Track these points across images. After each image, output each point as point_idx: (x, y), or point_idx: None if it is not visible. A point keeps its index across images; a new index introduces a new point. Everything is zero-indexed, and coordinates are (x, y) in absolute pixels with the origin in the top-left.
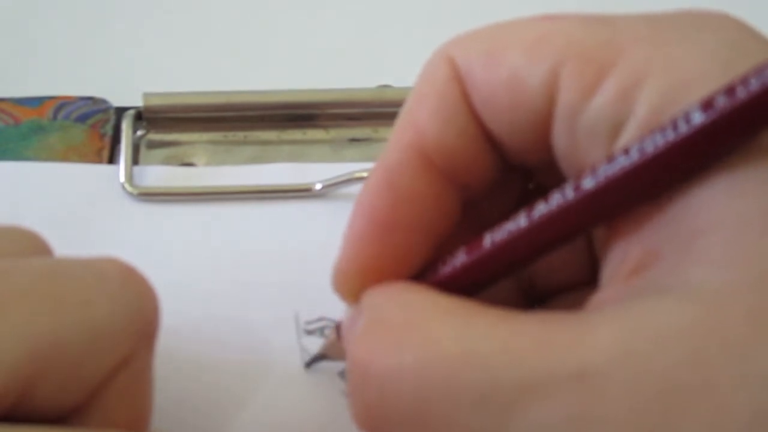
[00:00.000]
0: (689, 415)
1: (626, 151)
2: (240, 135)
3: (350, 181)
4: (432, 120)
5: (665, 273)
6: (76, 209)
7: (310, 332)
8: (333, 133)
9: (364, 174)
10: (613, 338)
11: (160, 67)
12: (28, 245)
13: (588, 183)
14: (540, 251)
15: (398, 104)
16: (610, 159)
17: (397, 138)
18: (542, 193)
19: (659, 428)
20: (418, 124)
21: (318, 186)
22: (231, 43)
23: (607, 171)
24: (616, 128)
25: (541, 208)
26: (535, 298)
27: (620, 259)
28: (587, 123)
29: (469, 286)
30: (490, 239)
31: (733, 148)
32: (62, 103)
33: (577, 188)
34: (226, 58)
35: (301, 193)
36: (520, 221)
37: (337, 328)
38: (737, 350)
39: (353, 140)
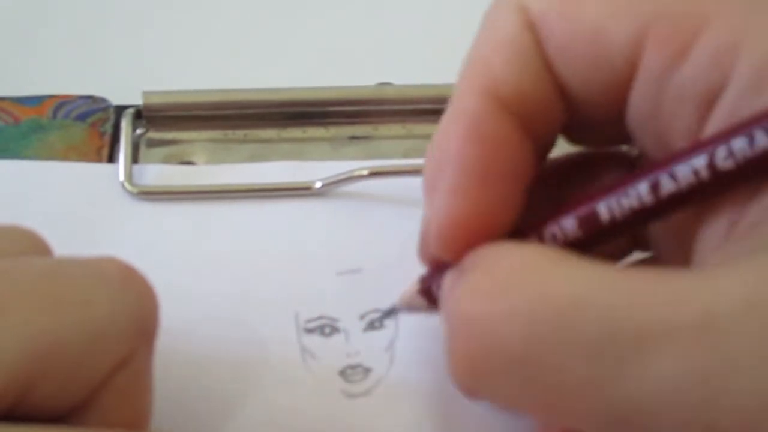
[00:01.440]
0: None
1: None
2: (240, 133)
3: (350, 179)
4: (507, 67)
5: None
6: (76, 208)
7: (310, 331)
8: (333, 131)
9: (365, 172)
10: (739, 287)
11: (160, 66)
12: (28, 245)
13: (725, 163)
14: (648, 223)
15: (398, 102)
16: (748, 135)
17: (469, 86)
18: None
19: None
20: (493, 71)
21: (318, 184)
22: (231, 42)
23: (746, 151)
24: (710, 95)
25: (668, 185)
26: None
27: (729, 223)
28: (676, 89)
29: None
30: (608, 214)
31: None
32: (62, 102)
33: (711, 166)
34: (226, 56)
35: (301, 191)
36: (644, 197)
37: (423, 286)
38: None
39: (353, 138)
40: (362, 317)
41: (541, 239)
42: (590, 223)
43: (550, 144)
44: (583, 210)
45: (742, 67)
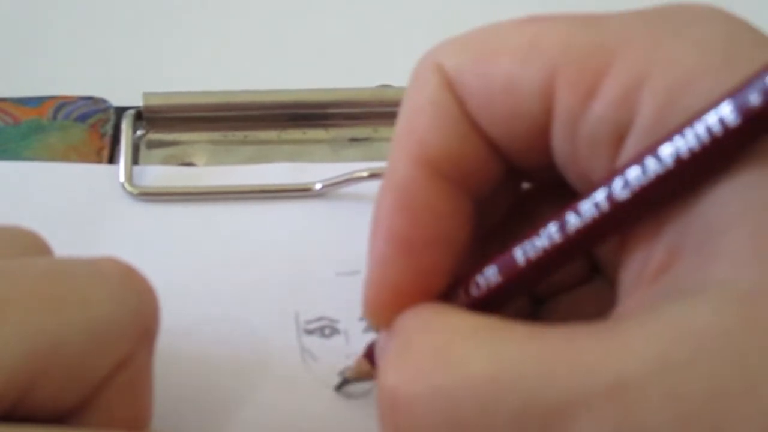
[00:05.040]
0: (734, 421)
1: (657, 156)
2: (240, 135)
3: (350, 180)
4: (433, 130)
5: (690, 273)
6: (76, 209)
7: (310, 332)
8: (333, 133)
9: (364, 174)
10: (649, 346)
11: (160, 67)
12: (28, 245)
13: (622, 193)
14: (568, 262)
15: (398, 104)
16: (641, 164)
17: (398, 153)
18: (539, 193)
19: None
20: (419, 135)
21: (318, 186)
22: (231, 43)
23: (641, 179)
24: (619, 133)
25: (574, 222)
26: (534, 300)
27: (641, 263)
28: (588, 129)
29: (497, 301)
30: (523, 257)
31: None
32: (62, 103)
33: (610, 197)
34: (226, 58)
35: (301, 192)
36: (554, 236)
37: (368, 351)
38: None
39: (353, 140)
40: (362, 318)
41: (467, 292)
42: (509, 268)
43: (488, 196)
44: (502, 256)
45: (646, 103)
